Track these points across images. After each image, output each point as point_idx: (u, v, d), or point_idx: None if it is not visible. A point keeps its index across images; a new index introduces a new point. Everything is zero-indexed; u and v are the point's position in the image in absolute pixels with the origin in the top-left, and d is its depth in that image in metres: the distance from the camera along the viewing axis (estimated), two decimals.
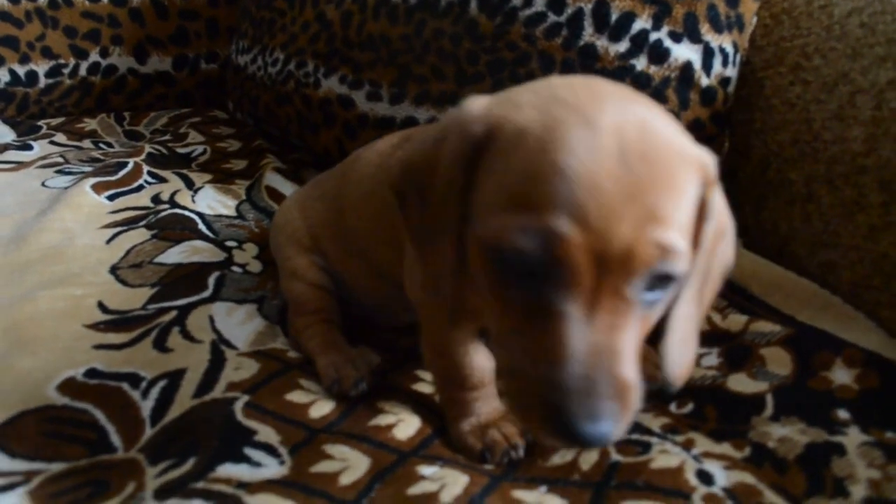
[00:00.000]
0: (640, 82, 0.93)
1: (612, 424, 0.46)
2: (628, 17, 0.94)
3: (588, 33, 0.95)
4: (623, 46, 0.94)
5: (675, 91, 0.94)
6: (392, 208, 0.77)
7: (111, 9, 1.67)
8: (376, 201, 0.80)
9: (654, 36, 0.93)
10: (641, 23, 0.94)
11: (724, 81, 0.96)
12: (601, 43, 0.95)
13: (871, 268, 0.84)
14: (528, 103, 0.51)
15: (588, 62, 0.95)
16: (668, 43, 0.93)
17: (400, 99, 1.10)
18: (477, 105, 0.53)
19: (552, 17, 0.97)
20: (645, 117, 0.49)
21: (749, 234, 1.00)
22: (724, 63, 0.95)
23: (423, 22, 1.08)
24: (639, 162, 0.46)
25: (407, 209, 0.58)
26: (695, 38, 0.93)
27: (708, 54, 0.94)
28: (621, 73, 0.94)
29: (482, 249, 0.49)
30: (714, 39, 0.94)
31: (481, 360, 0.74)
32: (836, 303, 0.87)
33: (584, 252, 0.45)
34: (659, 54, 0.93)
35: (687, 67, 0.94)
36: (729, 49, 0.95)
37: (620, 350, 0.47)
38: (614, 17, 0.94)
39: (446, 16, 1.06)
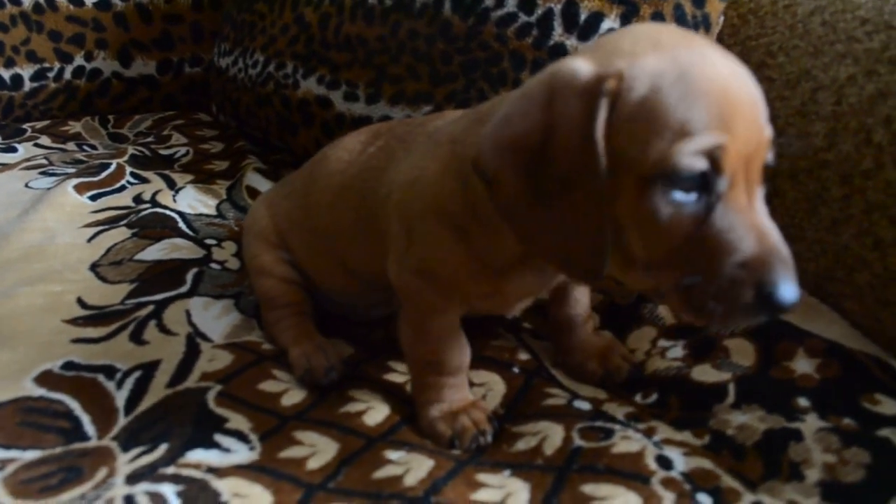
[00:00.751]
0: None
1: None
2: (597, 18, 0.96)
3: (558, 33, 0.97)
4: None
5: None
6: (367, 203, 0.78)
7: (95, 13, 1.69)
8: (350, 196, 0.82)
9: None
10: (609, 22, 0.96)
11: None
12: (571, 42, 0.97)
13: (834, 260, 0.86)
14: (639, 52, 0.54)
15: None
16: None
17: (376, 99, 1.12)
18: (580, 65, 0.54)
19: (523, 18, 0.99)
20: (724, 52, 0.56)
21: None
22: None
23: (398, 23, 1.10)
24: (746, 80, 0.55)
25: (506, 185, 0.56)
26: None
27: None
28: None
29: (646, 185, 0.53)
30: None
31: (462, 344, 0.76)
32: (802, 295, 0.89)
33: (738, 157, 0.53)
34: None
35: None
36: None
37: (775, 227, 0.54)
38: (583, 17, 0.96)
39: (421, 17, 1.08)
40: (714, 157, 0.52)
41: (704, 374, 0.79)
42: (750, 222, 0.53)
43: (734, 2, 1.02)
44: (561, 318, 0.84)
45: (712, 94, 0.52)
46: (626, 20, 0.95)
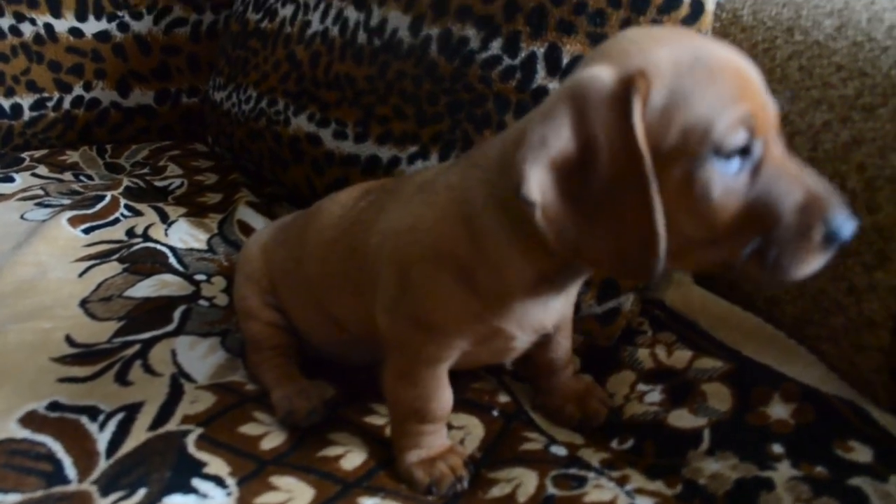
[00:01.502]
0: None
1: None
2: (579, 62, 0.97)
3: (541, 76, 0.98)
4: None
5: None
6: (356, 255, 0.80)
7: (95, 44, 1.71)
8: (340, 249, 0.82)
9: None
10: None
11: None
12: (553, 85, 0.98)
13: (811, 303, 0.86)
14: (647, 48, 0.57)
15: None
16: None
17: (364, 138, 1.13)
18: (601, 72, 0.56)
19: (507, 61, 1.00)
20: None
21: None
22: None
23: (386, 63, 1.12)
24: (744, 57, 0.59)
25: (553, 206, 0.57)
26: None
27: None
28: None
29: (692, 168, 0.55)
30: None
31: (448, 393, 0.77)
32: (780, 337, 0.90)
33: (764, 121, 0.57)
34: None
35: None
36: None
37: (808, 168, 0.59)
38: (566, 60, 0.97)
39: (408, 58, 1.09)
40: (749, 125, 0.56)
41: (681, 419, 0.80)
42: (791, 172, 0.57)
43: None
44: (542, 362, 0.85)
45: (728, 70, 0.56)
46: None
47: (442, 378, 0.76)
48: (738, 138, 0.55)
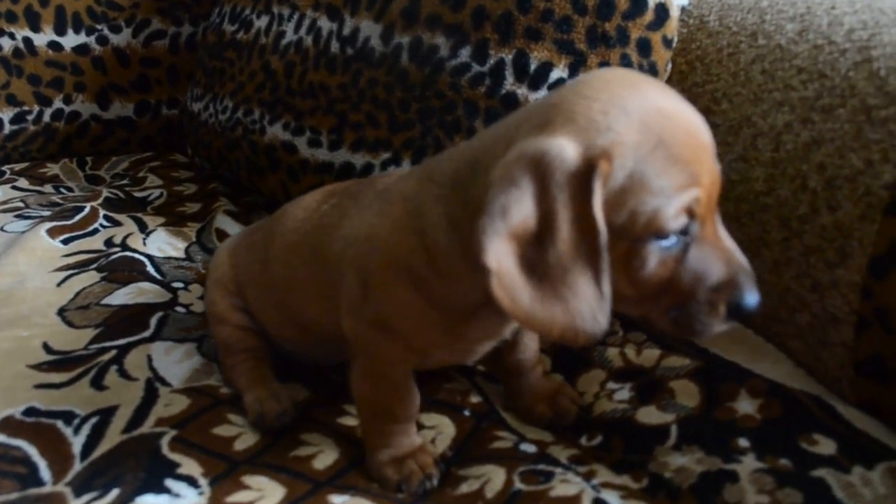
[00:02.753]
0: None
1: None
2: (546, 67, 0.99)
3: (509, 82, 1.00)
4: (542, 94, 0.99)
5: None
6: (319, 258, 0.81)
7: (74, 57, 1.72)
8: (303, 252, 0.84)
9: None
10: (558, 72, 0.99)
11: None
12: (522, 91, 1.00)
13: (778, 301, 0.88)
14: (614, 123, 0.58)
15: (510, 109, 1.00)
16: None
17: (338, 145, 1.14)
18: (565, 146, 0.57)
19: (476, 68, 1.02)
20: (673, 95, 0.62)
21: None
22: None
23: (359, 72, 1.13)
24: (701, 126, 0.62)
25: (508, 275, 0.57)
26: None
27: None
28: None
29: (635, 244, 0.59)
30: None
31: (413, 394, 0.78)
32: (748, 335, 0.92)
33: (706, 201, 0.60)
34: None
35: None
36: None
37: (735, 245, 0.64)
38: (533, 66, 0.99)
39: (380, 66, 1.11)
40: (692, 210, 0.59)
41: (649, 415, 0.81)
42: (717, 250, 0.62)
43: (683, 49, 1.05)
44: (511, 363, 0.86)
45: (684, 156, 0.58)
46: (574, 70, 0.98)
47: (407, 379, 0.77)
48: (680, 223, 0.59)
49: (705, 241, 0.62)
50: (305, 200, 0.89)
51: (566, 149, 0.57)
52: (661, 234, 0.59)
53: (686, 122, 0.61)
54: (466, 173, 0.64)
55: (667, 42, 1.00)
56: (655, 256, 0.60)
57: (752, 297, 0.62)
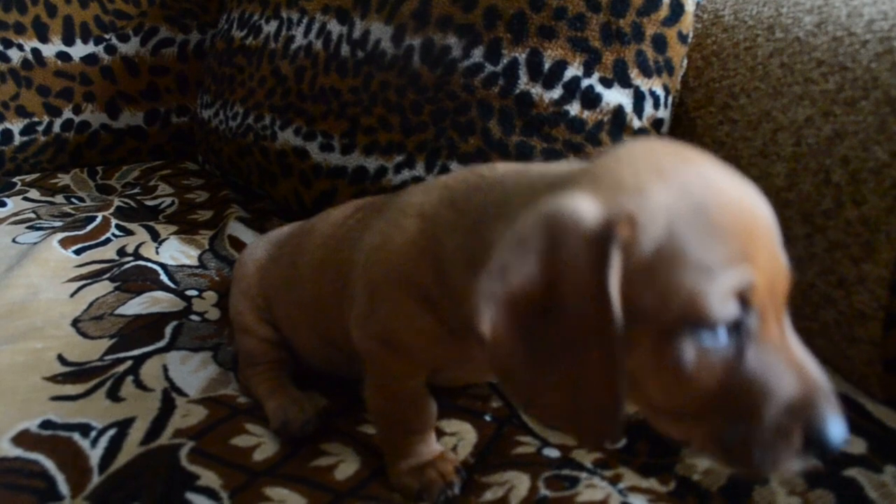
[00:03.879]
0: (575, 127, 0.97)
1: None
2: (560, 66, 0.98)
3: (523, 82, 0.99)
4: (557, 93, 0.98)
5: (608, 134, 0.97)
6: (342, 273, 0.78)
7: (83, 67, 1.72)
8: (329, 269, 0.82)
9: (585, 82, 0.98)
10: (573, 70, 0.98)
11: (657, 123, 1.00)
12: (536, 91, 0.98)
13: (801, 298, 0.86)
14: (645, 185, 0.49)
15: (524, 109, 0.99)
16: (599, 88, 0.97)
17: (350, 149, 1.13)
18: (584, 207, 0.49)
19: (489, 68, 1.01)
20: (727, 170, 0.52)
21: None
22: (656, 105, 0.99)
23: (370, 75, 1.12)
24: (759, 204, 0.51)
25: (503, 344, 0.50)
26: (625, 83, 0.97)
27: (639, 98, 0.98)
28: (556, 118, 0.97)
29: (669, 335, 0.49)
30: (644, 84, 0.98)
31: (427, 405, 0.76)
32: None
33: (765, 290, 0.48)
34: (591, 100, 0.97)
35: (619, 111, 0.97)
36: (660, 92, 0.99)
37: (810, 358, 0.51)
38: (547, 65, 0.98)
39: (391, 68, 1.10)
40: (744, 296, 0.48)
41: None
42: (787, 359, 0.50)
43: (698, 44, 1.04)
44: None
45: (732, 227, 0.48)
46: (588, 68, 0.97)
47: (418, 392, 0.75)
48: (729, 311, 0.48)
49: (769, 344, 0.49)
50: (333, 216, 0.87)
51: (585, 209, 0.49)
52: (704, 323, 0.48)
53: (740, 195, 0.50)
54: (494, 213, 0.58)
55: (682, 38, 0.99)
56: (695, 353, 0.48)
57: (837, 429, 0.48)
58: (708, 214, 0.48)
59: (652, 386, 0.51)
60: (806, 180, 0.85)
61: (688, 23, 0.97)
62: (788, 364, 0.49)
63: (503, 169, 0.64)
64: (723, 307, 0.47)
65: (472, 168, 0.67)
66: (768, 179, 0.90)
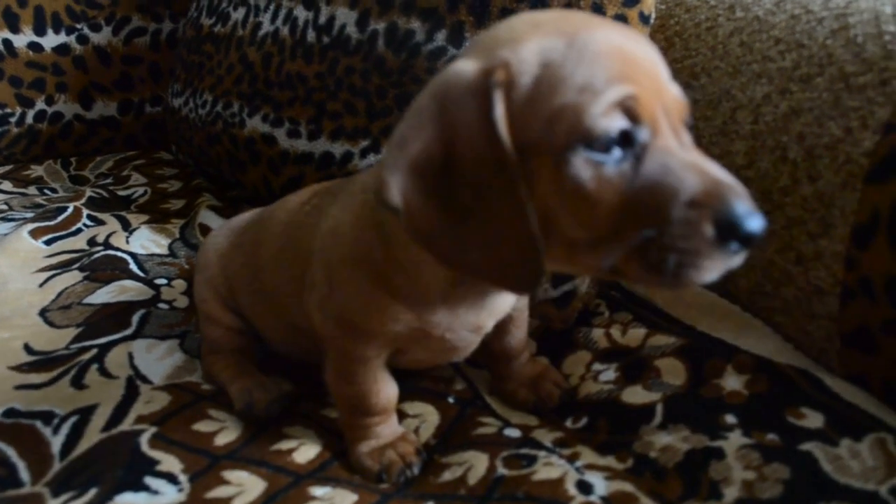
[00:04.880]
0: None
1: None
2: None
3: None
4: None
5: None
6: (300, 258, 0.79)
7: (55, 58, 1.71)
8: (287, 254, 0.82)
9: None
10: None
11: None
12: None
13: (762, 275, 0.87)
14: (520, 37, 0.53)
15: None
16: None
17: (317, 135, 1.13)
18: (464, 66, 0.53)
19: (452, 51, 1.00)
20: (619, 26, 0.56)
21: None
22: None
23: (335, 60, 1.12)
24: (641, 41, 0.54)
25: (417, 211, 0.53)
26: None
27: None
28: None
29: (563, 160, 0.51)
30: None
31: (388, 387, 0.77)
32: (735, 311, 0.90)
33: (652, 105, 0.51)
34: None
35: None
36: None
37: (714, 163, 0.52)
38: None
39: (356, 53, 1.09)
40: (628, 108, 0.51)
41: (634, 395, 0.80)
42: (685, 161, 0.51)
43: (661, 25, 1.04)
44: (497, 349, 0.85)
45: (607, 52, 0.51)
46: None
47: (378, 373, 0.75)
48: (614, 125, 0.50)
49: (666, 150, 0.51)
50: (290, 202, 0.87)
51: (464, 67, 0.53)
52: (591, 138, 0.50)
53: (620, 33, 0.54)
54: None
55: (644, 18, 0.99)
56: (591, 170, 0.50)
57: (749, 212, 0.49)
58: (582, 44, 0.51)
59: (562, 217, 0.52)
60: (764, 158, 0.86)
61: (649, 4, 0.97)
62: (687, 165, 0.50)
63: None
64: (607, 120, 0.50)
65: None
66: (729, 158, 0.90)
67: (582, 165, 0.51)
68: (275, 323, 0.89)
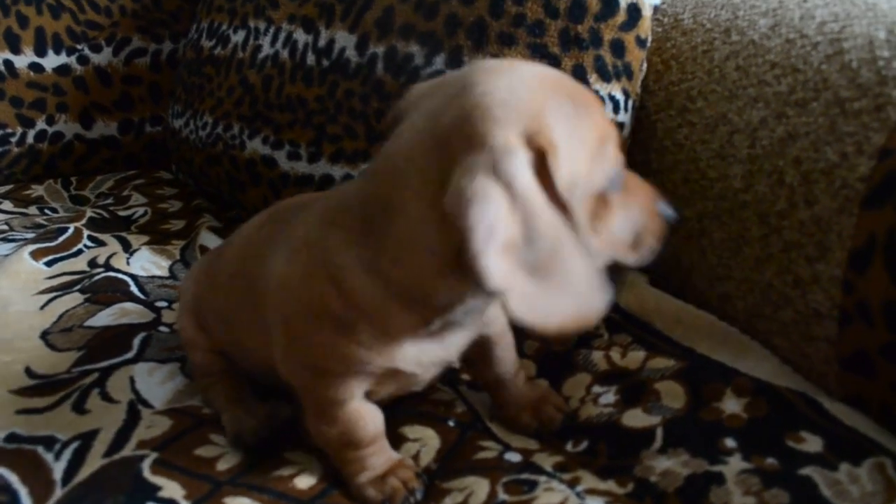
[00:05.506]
0: None
1: None
2: None
3: None
4: None
5: None
6: (252, 290, 0.78)
7: (56, 78, 1.72)
8: (239, 282, 0.82)
9: None
10: None
11: (618, 127, 1.01)
12: None
13: (761, 297, 0.87)
14: (531, 103, 0.59)
15: None
16: None
17: (317, 158, 1.14)
18: (507, 142, 0.57)
19: None
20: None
21: (656, 269, 1.03)
22: (615, 110, 1.00)
23: (335, 83, 1.13)
24: (587, 90, 0.66)
25: (518, 286, 0.57)
26: None
27: None
28: None
29: (599, 200, 0.63)
30: (603, 88, 0.99)
31: (373, 416, 0.75)
32: (733, 333, 0.91)
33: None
34: None
35: None
36: (619, 96, 1.00)
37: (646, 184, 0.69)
38: None
39: (356, 77, 1.10)
40: (617, 159, 0.64)
41: (634, 419, 0.80)
42: (637, 184, 0.69)
43: (658, 48, 1.05)
44: (489, 378, 0.85)
45: (589, 103, 0.63)
46: None
47: (358, 410, 0.74)
48: (620, 158, 0.64)
49: (629, 178, 0.68)
50: (246, 227, 0.88)
51: (510, 144, 0.56)
52: (614, 174, 0.63)
53: (563, 76, 0.65)
54: (380, 218, 0.62)
55: (640, 42, 1.00)
56: (615, 196, 0.64)
57: (667, 210, 0.69)
58: (576, 103, 0.61)
59: (600, 235, 0.64)
60: (761, 182, 0.86)
61: (646, 27, 0.98)
62: (640, 189, 0.68)
63: (355, 182, 0.72)
64: (619, 158, 0.64)
65: (336, 187, 0.77)
66: (726, 181, 0.91)
67: (612, 195, 0.64)
68: (237, 349, 0.89)
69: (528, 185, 0.56)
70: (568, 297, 0.58)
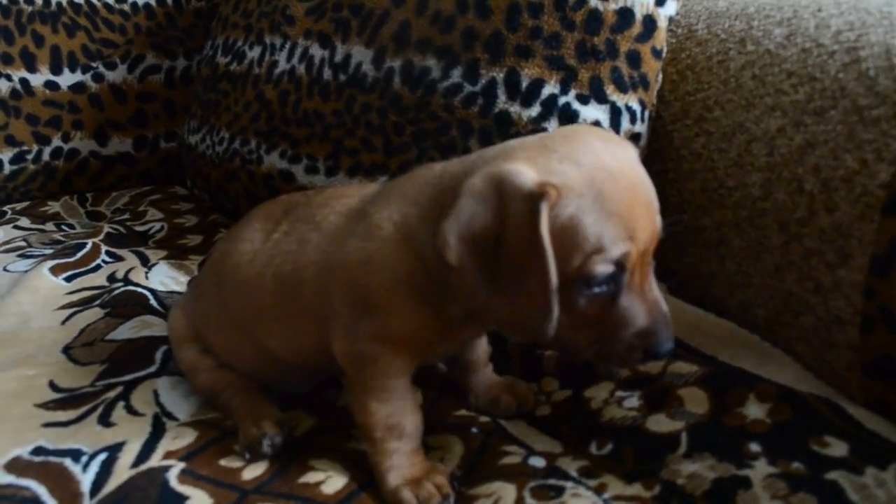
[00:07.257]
0: None
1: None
2: (538, 84, 1.00)
3: (502, 101, 1.01)
4: (535, 111, 1.00)
5: None
6: (287, 286, 0.82)
7: (71, 96, 1.74)
8: (266, 282, 0.84)
9: (562, 100, 0.99)
10: (550, 88, 1.00)
11: (634, 137, 1.01)
12: (514, 109, 1.00)
13: (781, 305, 0.88)
14: (567, 169, 0.66)
15: (504, 128, 1.00)
16: (576, 105, 0.99)
17: (335, 171, 1.15)
18: (525, 172, 0.65)
19: (468, 88, 1.02)
20: (628, 156, 0.70)
21: (674, 278, 1.04)
22: (633, 120, 1.01)
23: (352, 98, 1.14)
24: (647, 187, 0.69)
25: (467, 272, 0.67)
26: (601, 98, 0.99)
27: (615, 113, 1.00)
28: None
29: (569, 282, 0.66)
30: (620, 99, 1.00)
31: (417, 412, 0.79)
32: (754, 341, 0.91)
33: (637, 256, 0.67)
34: (568, 116, 0.99)
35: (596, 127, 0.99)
36: (636, 107, 1.01)
37: (660, 296, 0.70)
38: (524, 84, 1.00)
39: (373, 90, 1.11)
40: (621, 263, 0.66)
41: (658, 423, 0.81)
42: (643, 301, 0.69)
43: (673, 59, 1.06)
44: (468, 361, 0.91)
45: (621, 213, 0.65)
46: (565, 85, 0.99)
47: (410, 391, 0.79)
48: (606, 272, 0.66)
49: (633, 291, 0.68)
50: (245, 233, 0.90)
51: (524, 173, 0.65)
52: (590, 281, 0.66)
53: (629, 180, 0.67)
54: (449, 197, 0.69)
55: (656, 53, 1.01)
56: (585, 298, 0.67)
57: (666, 347, 0.69)
58: (604, 201, 0.65)
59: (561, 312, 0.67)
60: (780, 189, 0.87)
61: (661, 38, 0.99)
62: (643, 304, 0.69)
63: (439, 164, 0.78)
64: (604, 270, 0.66)
65: (407, 173, 0.80)
66: (745, 189, 0.91)
67: (579, 292, 0.67)
68: (247, 353, 0.91)
69: (518, 214, 0.64)
70: (509, 306, 0.67)
